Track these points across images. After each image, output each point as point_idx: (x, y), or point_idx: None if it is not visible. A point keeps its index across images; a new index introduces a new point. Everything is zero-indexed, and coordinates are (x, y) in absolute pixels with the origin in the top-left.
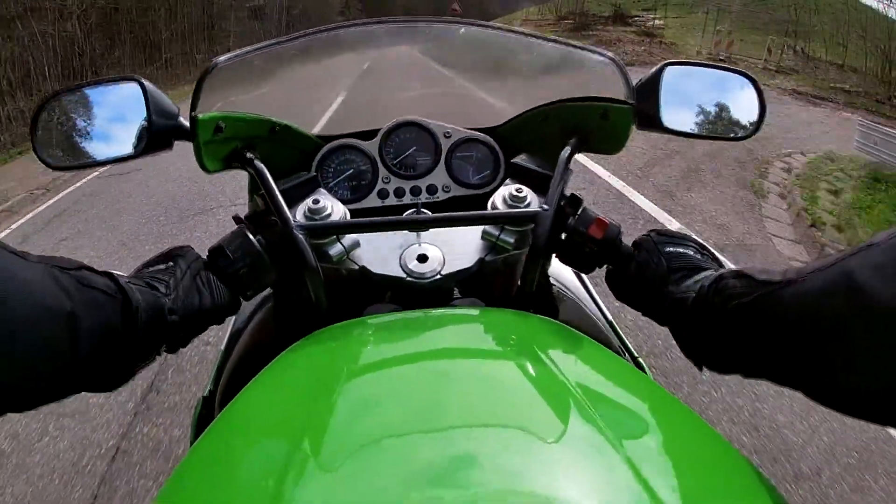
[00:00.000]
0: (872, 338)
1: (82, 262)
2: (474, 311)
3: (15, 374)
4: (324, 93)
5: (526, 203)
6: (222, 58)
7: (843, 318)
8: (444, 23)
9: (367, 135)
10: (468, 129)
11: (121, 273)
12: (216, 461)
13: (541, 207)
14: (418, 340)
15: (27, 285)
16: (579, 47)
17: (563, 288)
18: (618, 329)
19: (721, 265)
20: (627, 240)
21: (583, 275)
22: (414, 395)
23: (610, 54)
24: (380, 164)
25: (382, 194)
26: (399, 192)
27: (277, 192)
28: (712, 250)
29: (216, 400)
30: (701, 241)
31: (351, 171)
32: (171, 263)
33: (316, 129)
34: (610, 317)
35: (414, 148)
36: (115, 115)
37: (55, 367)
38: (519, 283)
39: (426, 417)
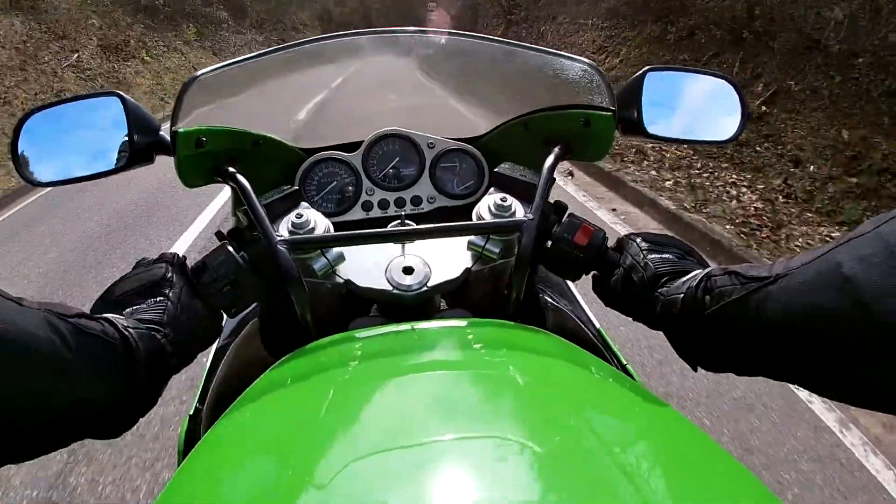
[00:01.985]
0: (864, 327)
1: (80, 309)
2: (461, 323)
3: (11, 425)
4: (305, 103)
5: (511, 212)
6: (201, 71)
7: (833, 310)
8: (426, 33)
9: (351, 147)
10: (451, 139)
11: (117, 316)
12: (205, 481)
13: (525, 216)
14: (406, 354)
15: (22, 333)
16: (559, 55)
17: (549, 296)
18: (605, 336)
19: (705, 264)
20: (610, 242)
21: (569, 282)
22: (402, 410)
23: (589, 61)
24: (363, 176)
25: (366, 206)
26: (383, 204)
27: (260, 207)
28: (697, 251)
29: (203, 418)
30: (684, 241)
31: (334, 183)
32: (160, 298)
33: (298, 125)
34: (597, 324)
35: (397, 159)
36: (96, 130)
37: (53, 419)
38: (506, 292)
39: (416, 432)
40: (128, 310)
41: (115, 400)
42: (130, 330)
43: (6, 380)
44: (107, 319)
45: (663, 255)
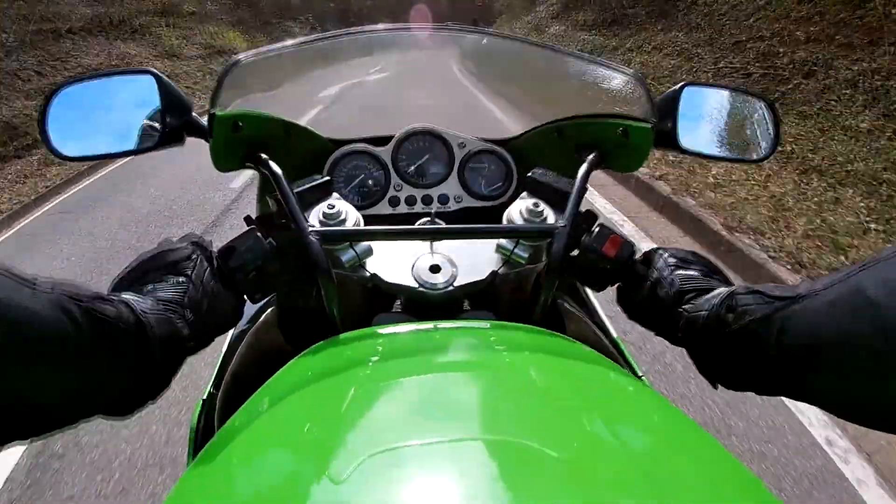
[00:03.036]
0: (886, 352)
1: (97, 291)
2: (485, 325)
3: (20, 405)
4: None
5: (542, 218)
6: (242, 55)
7: (856, 334)
8: (468, 32)
9: (380, 141)
10: (481, 139)
11: (135, 297)
12: (224, 470)
13: (557, 223)
14: (430, 353)
15: (34, 316)
16: (601, 63)
17: (568, 303)
18: (621, 345)
19: (730, 283)
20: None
21: (587, 289)
22: (424, 409)
23: (633, 71)
24: (392, 172)
25: (393, 202)
26: (410, 201)
27: (292, 195)
28: (721, 267)
29: (217, 403)
30: (710, 258)
31: (362, 176)
32: (182, 279)
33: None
34: (614, 332)
35: (427, 156)
36: (128, 107)
37: (62, 399)
38: (528, 296)
39: (436, 431)
40: (149, 286)
41: (126, 383)
42: (147, 313)
43: (16, 361)
44: (123, 301)
45: (689, 272)
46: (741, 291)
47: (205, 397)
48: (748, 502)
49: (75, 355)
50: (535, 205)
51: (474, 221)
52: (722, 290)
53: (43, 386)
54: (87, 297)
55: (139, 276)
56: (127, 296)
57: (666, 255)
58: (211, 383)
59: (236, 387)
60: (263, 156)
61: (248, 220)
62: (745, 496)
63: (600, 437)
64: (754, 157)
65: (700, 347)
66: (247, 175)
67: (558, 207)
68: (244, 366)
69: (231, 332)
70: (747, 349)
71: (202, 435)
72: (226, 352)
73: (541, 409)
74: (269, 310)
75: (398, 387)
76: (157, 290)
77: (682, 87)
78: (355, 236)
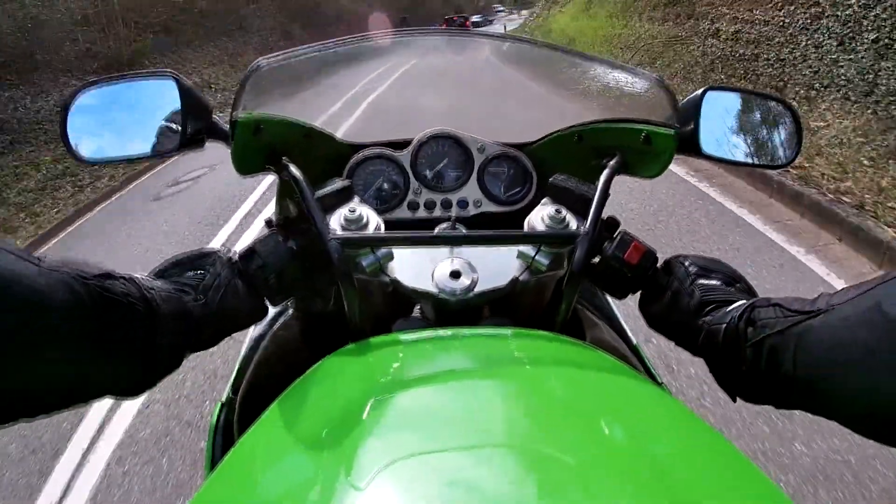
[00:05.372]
0: None
1: (104, 269)
2: (506, 332)
3: (25, 382)
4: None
5: (565, 224)
6: (263, 59)
7: (875, 349)
8: (490, 37)
9: (399, 145)
10: (501, 144)
11: (145, 277)
12: (248, 476)
13: (580, 229)
14: (451, 360)
15: (36, 294)
16: (625, 68)
17: (588, 309)
18: (641, 352)
19: (753, 292)
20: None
21: (608, 296)
22: (446, 416)
23: (656, 76)
24: (411, 176)
25: (413, 206)
26: (429, 205)
27: (313, 200)
28: (743, 276)
29: (236, 407)
30: (732, 267)
31: (381, 180)
32: (200, 271)
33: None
34: (634, 339)
35: (446, 160)
36: (148, 110)
37: (70, 379)
38: (548, 304)
39: (458, 438)
40: (169, 277)
41: (135, 360)
42: (155, 291)
43: (23, 340)
44: (131, 279)
45: (710, 282)
46: (760, 304)
47: (223, 400)
48: None
49: (83, 333)
50: (558, 211)
51: (493, 227)
52: (742, 303)
53: (51, 364)
54: (95, 275)
55: (162, 271)
56: (138, 275)
57: (687, 263)
58: (230, 386)
59: (255, 390)
60: (284, 160)
61: (268, 223)
62: None
63: (620, 446)
64: (776, 162)
65: (719, 360)
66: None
67: (580, 214)
68: (263, 369)
69: (249, 335)
70: (765, 363)
71: (222, 437)
72: (244, 355)
73: (561, 417)
74: (288, 313)
75: (419, 394)
76: (174, 279)
77: (704, 92)
78: (378, 242)
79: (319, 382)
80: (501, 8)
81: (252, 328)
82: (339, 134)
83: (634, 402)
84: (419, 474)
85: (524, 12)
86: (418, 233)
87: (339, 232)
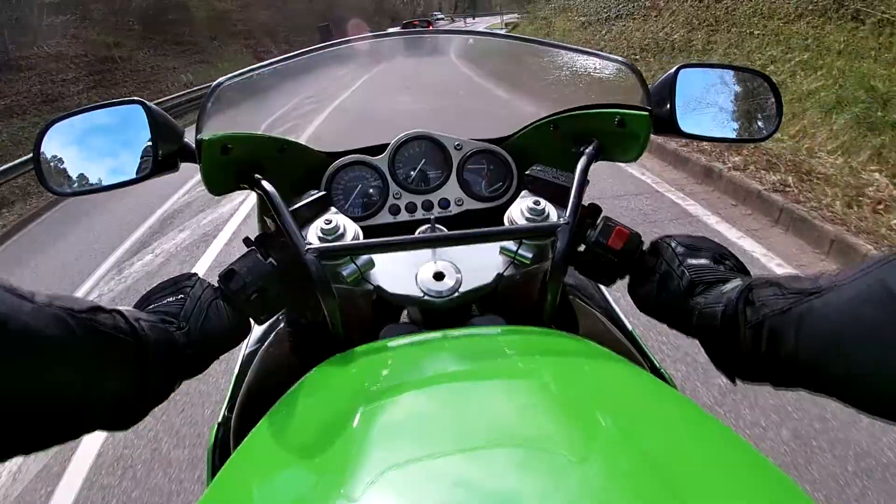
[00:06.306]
0: None
1: (93, 302)
2: (495, 330)
3: (20, 420)
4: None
5: (544, 216)
6: (224, 78)
7: (878, 327)
8: (452, 34)
9: (376, 150)
10: (478, 140)
11: (130, 309)
12: (242, 491)
13: (560, 219)
14: (441, 363)
15: (32, 331)
16: (593, 53)
17: (581, 299)
18: (638, 339)
19: (744, 269)
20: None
21: (601, 285)
22: (437, 419)
23: (624, 59)
24: (390, 180)
25: (394, 210)
26: (411, 208)
27: (288, 214)
28: (733, 253)
29: (231, 426)
30: (720, 244)
31: (360, 187)
32: (180, 296)
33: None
34: (630, 327)
35: (424, 161)
36: (119, 138)
37: (61, 414)
38: (537, 297)
39: (454, 442)
40: (151, 306)
41: (124, 394)
42: (141, 322)
43: (15, 376)
44: (118, 312)
45: (699, 261)
46: (758, 284)
47: (220, 420)
48: (775, 498)
49: (75, 366)
50: (536, 203)
51: (477, 224)
52: (737, 283)
53: (45, 398)
54: (84, 310)
55: (143, 301)
56: (122, 308)
57: (674, 243)
58: (225, 406)
59: (250, 407)
60: (257, 176)
61: (247, 241)
62: (772, 491)
63: (617, 438)
64: (757, 135)
65: (716, 341)
66: None
67: (560, 204)
68: (256, 386)
69: (241, 354)
70: (766, 343)
71: (219, 458)
72: (237, 374)
73: (555, 413)
74: (279, 329)
75: (409, 399)
76: (157, 307)
77: (677, 70)
78: (354, 250)
79: (306, 395)
80: (441, 16)
81: (244, 345)
82: (315, 144)
83: (627, 392)
84: (413, 480)
85: (470, 20)
86: (395, 238)
87: (317, 244)
